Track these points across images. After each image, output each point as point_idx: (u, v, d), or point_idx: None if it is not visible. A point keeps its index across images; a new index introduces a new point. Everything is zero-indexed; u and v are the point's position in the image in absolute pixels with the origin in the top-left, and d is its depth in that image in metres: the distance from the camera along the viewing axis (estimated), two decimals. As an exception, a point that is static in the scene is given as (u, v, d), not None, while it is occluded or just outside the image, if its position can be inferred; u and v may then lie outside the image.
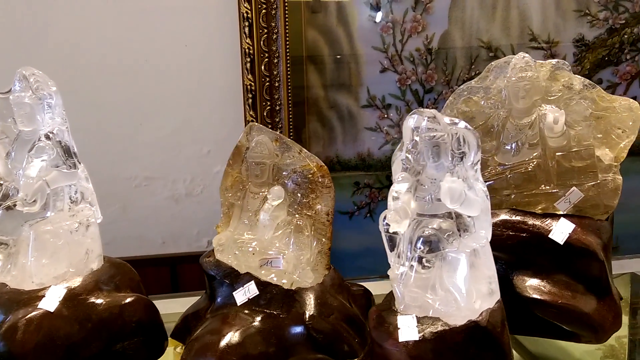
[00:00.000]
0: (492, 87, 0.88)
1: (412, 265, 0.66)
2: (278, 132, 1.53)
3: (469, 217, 0.66)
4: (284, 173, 0.85)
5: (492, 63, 0.91)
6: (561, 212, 0.83)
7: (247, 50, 1.42)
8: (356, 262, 1.47)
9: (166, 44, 1.41)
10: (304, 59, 1.49)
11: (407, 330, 0.63)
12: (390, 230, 0.66)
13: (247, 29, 1.41)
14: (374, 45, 1.51)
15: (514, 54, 1.56)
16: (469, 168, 0.65)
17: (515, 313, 0.79)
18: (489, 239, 0.68)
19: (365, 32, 1.50)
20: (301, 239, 0.81)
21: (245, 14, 1.40)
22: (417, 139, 0.66)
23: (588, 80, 0.88)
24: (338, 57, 1.50)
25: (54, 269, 0.78)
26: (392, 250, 0.68)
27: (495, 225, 0.80)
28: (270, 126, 1.48)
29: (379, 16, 1.49)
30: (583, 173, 0.83)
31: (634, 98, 1.57)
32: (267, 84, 1.46)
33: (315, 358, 0.77)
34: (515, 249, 0.81)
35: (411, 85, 1.54)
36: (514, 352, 0.82)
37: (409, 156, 0.67)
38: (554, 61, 0.89)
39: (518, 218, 0.82)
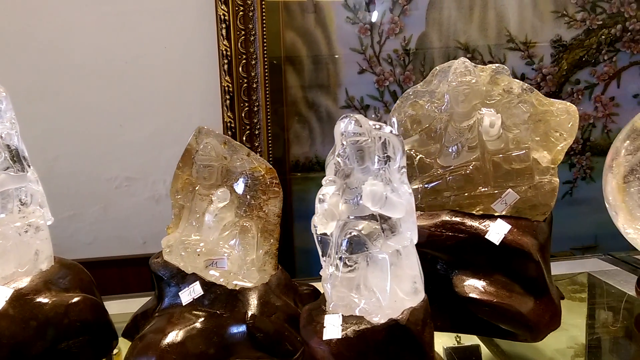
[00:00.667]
0: (437, 91, 0.89)
1: (338, 265, 0.68)
2: (256, 132, 1.57)
3: (395, 218, 0.68)
4: (233, 175, 0.87)
5: (437, 67, 0.93)
6: (498, 213, 0.84)
7: (224, 52, 1.45)
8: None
9: (146, 46, 1.44)
10: (282, 60, 1.51)
11: (332, 328, 0.65)
12: (318, 232, 0.69)
13: (224, 31, 1.44)
14: (352, 46, 1.53)
15: (491, 55, 1.59)
16: (395, 172, 0.67)
17: (456, 312, 0.81)
18: (415, 240, 0.70)
19: (344, 34, 1.52)
20: (246, 240, 0.83)
21: (222, 16, 1.43)
22: (344, 143, 0.68)
23: (527, 85, 0.90)
24: (316, 58, 1.51)
25: (1, 269, 0.80)
26: (323, 251, 0.70)
27: (435, 226, 0.82)
28: (248, 127, 1.51)
29: (375, 16, 1.50)
30: (520, 175, 0.84)
31: (612, 98, 1.60)
32: (245, 85, 1.48)
33: (257, 357, 0.79)
34: (455, 250, 0.83)
35: (389, 87, 1.55)
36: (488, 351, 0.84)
37: (339, 160, 0.69)
38: (494, 66, 0.91)
39: (457, 219, 0.83)
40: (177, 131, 1.52)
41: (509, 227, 0.81)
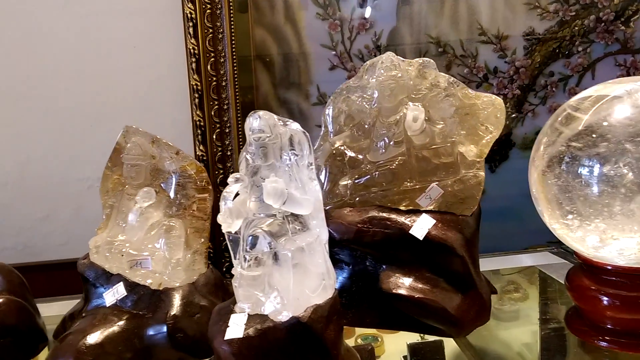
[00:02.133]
0: (368, 87, 0.88)
1: (243, 264, 0.67)
2: (226, 130, 1.57)
3: (305, 215, 0.67)
4: (162, 174, 0.87)
5: (367, 62, 0.92)
6: (424, 208, 0.83)
7: (192, 50, 1.45)
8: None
9: (115, 46, 1.44)
10: (252, 58, 1.51)
11: (235, 328, 0.64)
12: (223, 231, 0.68)
13: (191, 30, 1.44)
14: (323, 42, 1.52)
15: (463, 49, 1.57)
16: (303, 168, 0.66)
17: (384, 308, 0.81)
18: (323, 237, 0.69)
19: (314, 30, 1.51)
20: (172, 239, 0.83)
21: (189, 15, 1.42)
22: (250, 140, 0.68)
23: (453, 78, 0.88)
24: (286, 55, 1.51)
25: None
26: (234, 250, 0.70)
27: (363, 222, 0.81)
28: (218, 125, 1.51)
29: (368, 11, 1.49)
30: (445, 169, 0.83)
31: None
32: (214, 83, 1.48)
33: (178, 357, 0.79)
34: (382, 245, 0.81)
35: (361, 83, 1.54)
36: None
37: (248, 157, 0.68)
38: (420, 60, 0.89)
39: (384, 215, 0.82)
40: (148, 131, 1.52)
41: (433, 221, 0.80)
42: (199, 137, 1.50)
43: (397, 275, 0.80)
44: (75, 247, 1.50)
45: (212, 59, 1.47)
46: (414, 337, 0.94)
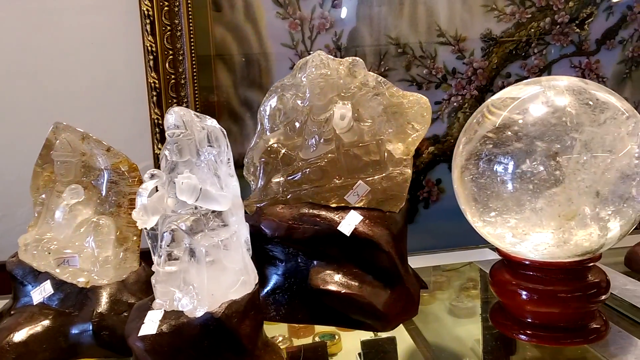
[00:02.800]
0: (302, 85, 0.89)
1: (160, 260, 0.68)
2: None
3: (224, 212, 0.68)
4: (94, 172, 0.87)
5: (300, 60, 0.92)
6: (352, 205, 0.84)
7: (149, 47, 1.44)
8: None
9: (73, 43, 1.43)
10: (212, 57, 1.51)
11: (149, 325, 0.64)
12: (139, 227, 0.68)
13: (148, 27, 1.43)
14: (283, 42, 1.52)
15: (422, 50, 1.59)
16: (222, 165, 0.67)
17: (314, 304, 0.82)
18: (242, 234, 0.69)
19: (274, 30, 1.51)
20: (101, 236, 0.83)
21: (146, 12, 1.42)
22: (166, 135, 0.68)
23: (381, 77, 0.89)
24: (247, 54, 1.51)
25: None
26: (153, 247, 0.70)
27: (293, 219, 0.81)
28: (177, 123, 1.50)
29: (344, 12, 1.50)
30: (373, 166, 0.83)
31: (543, 92, 1.60)
32: (173, 81, 1.47)
33: (104, 356, 0.79)
34: (311, 242, 0.82)
35: (321, 82, 1.55)
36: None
37: (166, 153, 0.69)
38: (350, 59, 0.90)
39: (314, 211, 0.82)
40: (107, 130, 1.50)
41: (360, 218, 0.80)
42: (158, 135, 1.50)
43: (326, 271, 0.80)
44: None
45: (171, 57, 1.47)
46: (368, 334, 0.96)
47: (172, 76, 1.48)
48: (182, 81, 1.49)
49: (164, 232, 0.66)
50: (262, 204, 0.85)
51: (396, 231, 0.82)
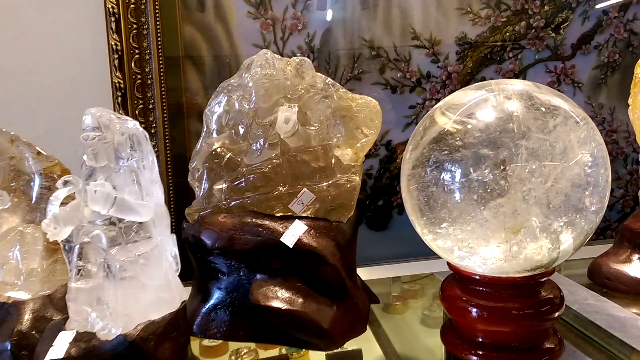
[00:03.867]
0: (249, 86, 0.84)
1: (73, 276, 0.62)
2: (152, 131, 1.52)
3: (146, 222, 0.63)
4: (24, 177, 0.82)
5: (247, 60, 0.88)
6: (297, 214, 0.80)
7: (114, 46, 1.39)
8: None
9: (36, 40, 1.38)
10: (180, 57, 1.46)
11: (58, 347, 0.59)
12: (50, 239, 0.63)
13: (113, 25, 1.38)
14: (255, 42, 1.48)
15: (396, 53, 1.54)
16: (144, 170, 0.62)
17: (256, 321, 0.76)
18: (170, 247, 0.64)
19: (245, 30, 1.47)
20: (27, 247, 0.77)
21: (111, 9, 1.37)
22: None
23: (330, 79, 0.84)
24: (217, 55, 1.47)
25: None
26: (70, 261, 0.64)
27: (235, 228, 0.75)
28: (143, 126, 1.45)
29: (329, 15, 1.46)
30: (319, 173, 0.78)
31: (518, 97, 1.57)
32: (139, 82, 1.42)
33: None
34: (253, 253, 0.76)
35: (293, 84, 1.50)
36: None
37: (84, 157, 0.64)
38: (297, 59, 0.85)
39: (256, 221, 0.77)
40: (70, 130, 1.46)
41: (305, 228, 0.75)
42: (123, 136, 1.44)
43: (268, 285, 0.75)
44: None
45: (137, 56, 1.42)
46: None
47: (139, 76, 1.43)
48: (149, 82, 1.44)
49: (77, 245, 0.60)
50: (204, 213, 0.80)
51: (343, 242, 0.77)
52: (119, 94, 1.42)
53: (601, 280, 0.99)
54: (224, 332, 0.76)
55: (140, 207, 0.60)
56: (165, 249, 0.64)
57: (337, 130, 0.79)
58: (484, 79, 1.53)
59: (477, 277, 0.71)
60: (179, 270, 0.66)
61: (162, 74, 1.43)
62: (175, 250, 0.65)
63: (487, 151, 0.62)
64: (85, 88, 1.42)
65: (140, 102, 1.43)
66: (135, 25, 1.40)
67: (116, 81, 1.41)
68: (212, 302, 0.78)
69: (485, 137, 0.64)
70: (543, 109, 0.65)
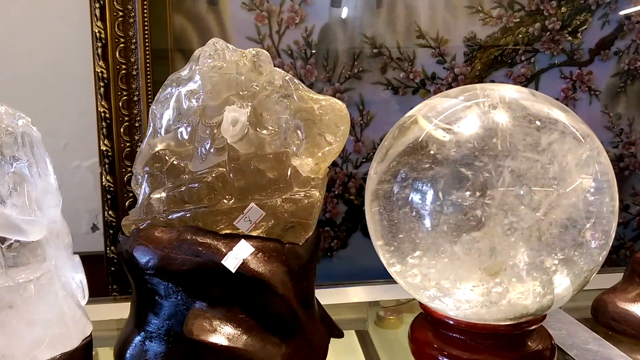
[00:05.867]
0: (198, 80, 0.71)
1: None
2: (136, 124, 1.42)
3: (34, 242, 0.51)
4: None
5: (198, 50, 0.76)
6: (245, 233, 0.67)
7: (98, 34, 1.29)
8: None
9: (17, 27, 1.30)
10: (169, 47, 1.36)
11: None
12: None
13: (98, 12, 1.29)
14: (249, 35, 1.38)
15: (399, 51, 1.42)
16: (36, 179, 0.50)
17: (191, 355, 0.63)
18: (74, 274, 0.53)
19: (239, 21, 1.36)
20: None
21: (94, -6, 1.28)
22: None
23: (290, 76, 0.71)
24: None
25: None
26: None
27: (171, 246, 0.62)
28: (127, 118, 1.36)
29: (344, 12, 1.36)
30: (271, 185, 0.65)
31: (529, 104, 1.43)
32: (124, 72, 1.32)
33: None
34: (191, 276, 0.63)
35: (289, 81, 1.39)
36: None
37: None
38: (254, 51, 0.72)
39: (197, 238, 0.64)
40: (52, 121, 1.38)
41: (251, 250, 0.62)
42: (104, 130, 1.35)
43: (206, 315, 0.63)
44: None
45: (122, 45, 1.32)
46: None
47: (123, 66, 1.33)
48: (134, 72, 1.35)
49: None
50: (141, 225, 0.68)
51: (297, 268, 0.64)
52: (102, 84, 1.33)
53: (606, 321, 0.85)
54: None
55: (26, 223, 0.49)
56: (61, 275, 0.52)
57: (296, 136, 0.67)
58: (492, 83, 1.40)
59: (451, 322, 0.59)
60: (86, 300, 0.55)
61: (148, 64, 1.33)
62: (79, 276, 0.54)
63: (462, 171, 0.49)
64: (66, 77, 1.33)
65: (125, 93, 1.34)
66: (121, 13, 1.30)
67: (99, 70, 1.32)
68: (147, 328, 0.66)
69: (460, 155, 0.51)
70: (537, 123, 0.52)
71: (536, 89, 1.41)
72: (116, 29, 1.31)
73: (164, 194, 0.66)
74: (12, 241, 0.49)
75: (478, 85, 0.60)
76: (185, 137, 0.68)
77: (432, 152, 0.53)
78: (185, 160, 0.67)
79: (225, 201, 0.64)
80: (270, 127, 0.65)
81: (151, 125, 0.71)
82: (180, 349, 0.63)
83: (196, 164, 0.65)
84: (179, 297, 0.64)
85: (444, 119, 0.55)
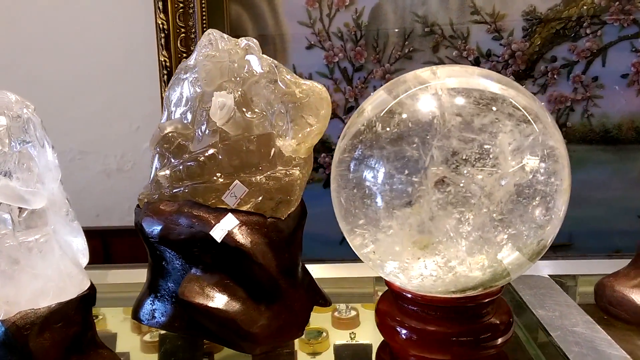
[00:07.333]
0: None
1: None
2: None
3: (39, 209, 0.61)
4: None
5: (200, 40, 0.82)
6: (231, 207, 0.74)
7: (161, 25, 1.43)
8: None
9: (93, 20, 1.47)
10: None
11: None
12: None
13: (160, 4, 1.42)
14: (300, 20, 1.44)
15: (452, 29, 1.42)
16: (40, 156, 0.60)
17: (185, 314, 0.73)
18: (73, 238, 0.62)
19: (291, 7, 1.44)
20: None
21: (157, -11, 1.41)
22: None
23: (276, 62, 0.76)
24: (263, 33, 1.46)
25: None
26: None
27: (171, 217, 0.72)
28: (188, 102, 1.49)
29: None
30: (256, 165, 0.72)
31: (595, 79, 1.36)
32: (185, 60, 1.46)
33: None
34: (186, 245, 0.73)
35: (339, 63, 1.45)
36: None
37: None
38: (245, 39, 0.78)
39: (192, 211, 0.73)
40: (125, 106, 1.53)
41: (235, 223, 0.70)
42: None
43: (197, 280, 0.72)
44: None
45: (183, 35, 1.45)
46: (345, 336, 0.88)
47: (184, 54, 1.46)
48: (195, 60, 1.46)
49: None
50: (151, 199, 0.79)
51: (278, 240, 0.71)
52: (165, 72, 1.46)
53: (603, 305, 0.82)
54: (163, 322, 0.75)
55: (29, 194, 0.60)
56: (59, 238, 0.63)
57: (281, 119, 0.73)
58: (554, 59, 1.36)
59: (409, 295, 0.62)
60: (87, 260, 0.66)
61: (207, 51, 1.44)
62: (77, 240, 0.65)
63: (401, 151, 0.53)
64: (136, 66, 1.48)
65: (186, 80, 1.46)
66: (181, 5, 1.43)
67: (162, 59, 1.45)
68: (156, 289, 0.77)
69: (397, 135, 0.54)
70: (482, 102, 0.53)
71: (603, 64, 1.35)
72: (177, 20, 1.43)
73: (168, 172, 0.76)
74: (25, 211, 0.60)
75: (432, 67, 0.62)
76: (189, 120, 0.77)
77: (376, 132, 0.57)
78: (189, 142, 0.76)
79: (215, 178, 0.72)
80: (257, 111, 0.72)
81: (166, 110, 0.81)
82: (179, 309, 0.73)
83: (195, 144, 0.74)
84: (180, 263, 0.73)
85: (398, 98, 0.58)
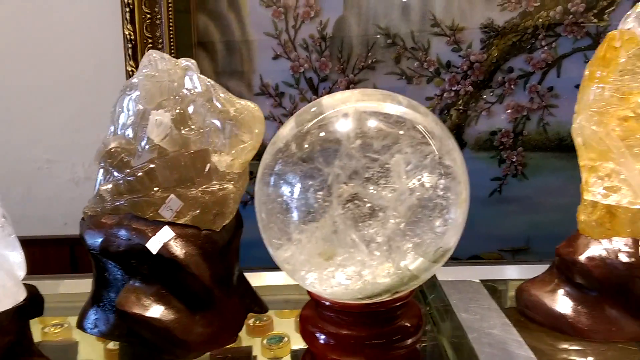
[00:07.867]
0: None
1: None
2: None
3: None
4: None
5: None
6: (167, 220, 0.78)
7: (128, 36, 1.47)
8: (250, 251, 1.48)
9: (61, 31, 1.50)
10: (193, 45, 1.50)
11: None
12: None
13: (128, 15, 1.46)
14: (266, 31, 1.48)
15: (414, 41, 1.47)
16: None
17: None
18: (10, 254, 0.66)
19: (257, 17, 1.47)
20: None
21: (125, 0, 1.45)
22: None
23: (212, 81, 0.81)
24: (229, 42, 1.49)
25: None
26: None
27: (111, 230, 0.76)
28: (156, 111, 1.53)
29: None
30: (191, 179, 0.76)
31: (551, 89, 1.42)
32: (151, 69, 1.49)
33: None
34: (125, 257, 0.77)
35: (305, 73, 1.49)
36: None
37: None
38: (184, 61, 0.83)
39: (131, 224, 0.77)
40: (92, 115, 1.56)
41: (171, 235, 0.74)
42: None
43: (136, 290, 0.76)
44: (25, 226, 1.59)
45: (149, 46, 1.48)
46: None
47: (152, 65, 1.49)
48: (161, 70, 1.50)
49: None
50: (94, 212, 0.83)
51: (212, 251, 0.76)
52: (132, 81, 1.50)
53: (521, 309, 0.88)
54: (104, 330, 0.79)
55: None
56: None
57: (217, 135, 0.77)
58: (511, 70, 1.41)
59: (327, 303, 0.66)
60: (24, 273, 0.69)
61: (173, 62, 1.47)
62: (14, 253, 0.68)
63: (309, 170, 0.57)
64: (104, 76, 1.51)
65: (153, 89, 1.49)
66: (148, 16, 1.46)
67: (130, 69, 1.49)
68: (99, 299, 0.81)
69: (307, 155, 0.59)
70: (385, 124, 0.58)
71: (558, 75, 1.40)
72: (144, 30, 1.47)
73: (110, 186, 0.80)
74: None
75: (348, 92, 0.66)
76: (132, 136, 0.81)
77: (290, 152, 0.61)
78: (132, 157, 0.81)
79: (153, 192, 0.76)
80: (195, 128, 0.77)
81: (111, 125, 0.85)
82: (118, 319, 0.77)
83: (136, 159, 0.79)
84: (120, 274, 0.78)
85: (301, 120, 0.62)
